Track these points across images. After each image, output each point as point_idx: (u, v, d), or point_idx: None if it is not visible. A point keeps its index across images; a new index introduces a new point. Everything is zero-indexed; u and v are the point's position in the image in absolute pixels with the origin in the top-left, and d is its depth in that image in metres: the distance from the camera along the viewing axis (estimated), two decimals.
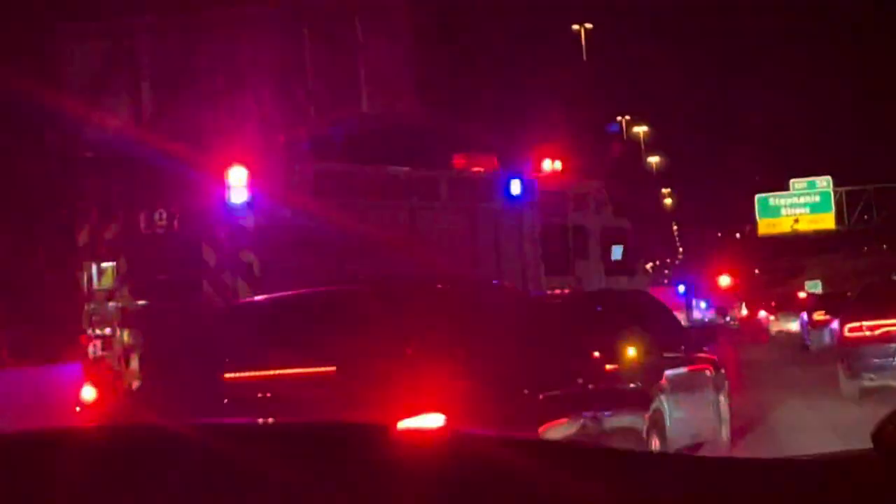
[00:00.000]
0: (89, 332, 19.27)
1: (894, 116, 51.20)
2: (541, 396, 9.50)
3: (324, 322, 9.64)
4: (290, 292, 11.47)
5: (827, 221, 52.64)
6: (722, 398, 17.37)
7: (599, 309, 16.56)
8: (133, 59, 30.93)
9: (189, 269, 18.85)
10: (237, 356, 9.26)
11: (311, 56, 32.83)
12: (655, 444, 11.20)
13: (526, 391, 9.33)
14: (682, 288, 50.06)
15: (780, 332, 52.49)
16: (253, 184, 18.63)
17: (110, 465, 2.45)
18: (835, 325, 35.51)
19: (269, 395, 8.65)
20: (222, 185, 18.60)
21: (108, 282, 19.35)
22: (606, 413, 10.46)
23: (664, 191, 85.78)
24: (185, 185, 18.93)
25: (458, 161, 22.29)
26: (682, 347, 16.84)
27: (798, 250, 61.95)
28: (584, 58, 60.71)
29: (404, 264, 20.27)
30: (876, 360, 21.55)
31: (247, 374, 8.94)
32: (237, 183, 18.57)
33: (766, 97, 55.29)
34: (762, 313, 60.33)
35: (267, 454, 2.45)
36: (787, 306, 51.74)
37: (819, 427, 18.84)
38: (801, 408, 21.39)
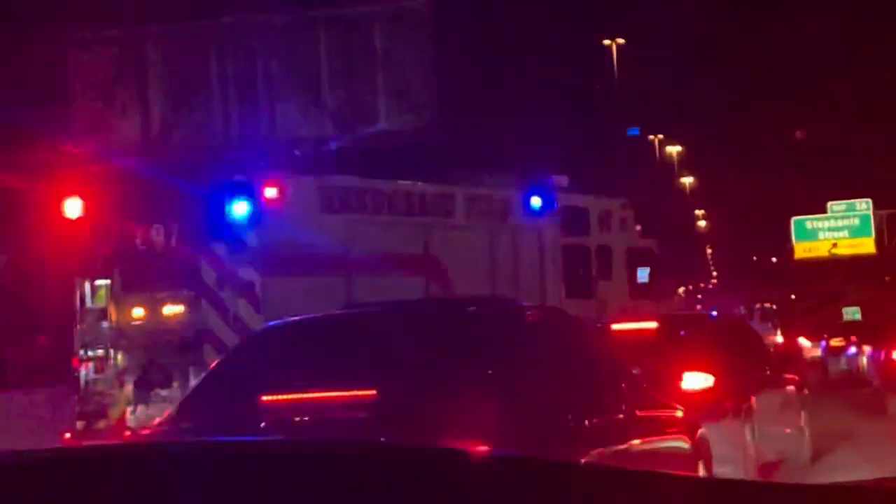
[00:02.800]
0: (81, 353, 18.62)
1: None
2: (585, 423, 9.45)
3: (364, 344, 9.56)
4: (328, 313, 11.65)
5: (867, 246, 51.93)
6: (804, 417, 18.19)
7: (683, 333, 17.40)
8: (140, 68, 30.40)
9: (187, 287, 18.21)
10: (275, 378, 9.14)
11: (328, 66, 32.27)
12: (701, 468, 11.10)
13: (569, 417, 9.23)
14: (714, 314, 48.94)
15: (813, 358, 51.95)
16: (255, 198, 17.97)
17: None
18: (852, 350, 36.77)
19: (307, 417, 8.55)
20: (222, 199, 17.95)
21: (101, 301, 18.69)
22: (651, 439, 10.38)
23: (698, 212, 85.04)
24: (184, 198, 18.27)
25: (475, 176, 21.52)
26: (767, 369, 17.81)
27: (836, 275, 61.00)
28: (615, 74, 59.96)
29: (417, 285, 19.60)
30: None
31: (285, 396, 8.82)
32: (239, 200, 17.92)
33: (804, 117, 54.52)
34: (801, 340, 59.53)
35: (296, 473, 2.47)
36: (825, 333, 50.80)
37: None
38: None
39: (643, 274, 23.33)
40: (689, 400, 13.83)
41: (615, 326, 17.72)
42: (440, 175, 21.01)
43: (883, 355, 30.77)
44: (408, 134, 29.71)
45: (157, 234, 18.40)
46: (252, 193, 17.81)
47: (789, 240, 55.18)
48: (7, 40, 29.25)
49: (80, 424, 18.38)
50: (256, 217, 17.84)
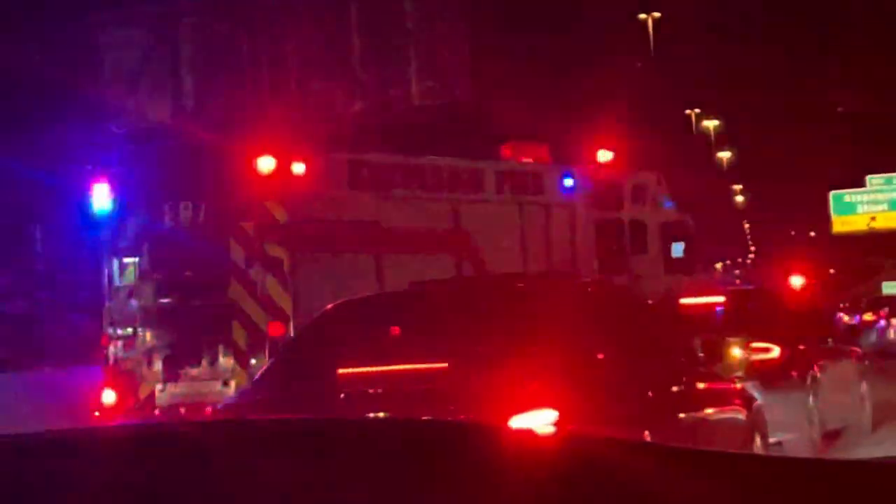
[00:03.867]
0: (110, 332, 18.43)
1: None
2: (649, 395, 9.64)
3: (434, 319, 9.79)
4: (402, 288, 12.06)
5: None
6: (865, 387, 18.53)
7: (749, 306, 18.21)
8: (173, 47, 30.24)
9: (215, 265, 17.98)
10: (351, 352, 9.35)
11: (359, 42, 32.02)
12: (758, 441, 11.27)
13: (635, 389, 9.45)
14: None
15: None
16: (283, 174, 17.73)
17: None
18: (881, 323, 36.73)
19: (382, 390, 8.76)
20: (251, 175, 17.72)
21: (129, 279, 18.49)
22: (710, 412, 10.58)
23: (735, 187, 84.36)
24: (212, 175, 18.04)
25: (506, 151, 21.25)
26: (830, 339, 18.45)
27: (875, 249, 60.36)
28: (651, 48, 59.40)
29: (447, 261, 19.35)
30: None
31: (361, 369, 9.04)
32: (266, 173, 17.67)
33: (842, 89, 53.84)
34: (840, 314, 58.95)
35: (375, 451, 2.49)
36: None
37: None
38: None
39: (678, 248, 22.96)
40: (756, 370, 14.86)
41: (683, 301, 18.47)
42: (474, 151, 20.71)
43: None
44: (440, 108, 29.49)
45: (186, 212, 18.17)
46: (280, 169, 17.56)
47: (828, 214, 54.51)
48: (39, 22, 29.12)
49: (108, 403, 18.20)
50: (284, 191, 17.60)
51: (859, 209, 52.14)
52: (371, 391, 8.78)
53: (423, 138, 21.39)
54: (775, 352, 16.20)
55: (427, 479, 2.39)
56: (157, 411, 18.00)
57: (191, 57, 30.42)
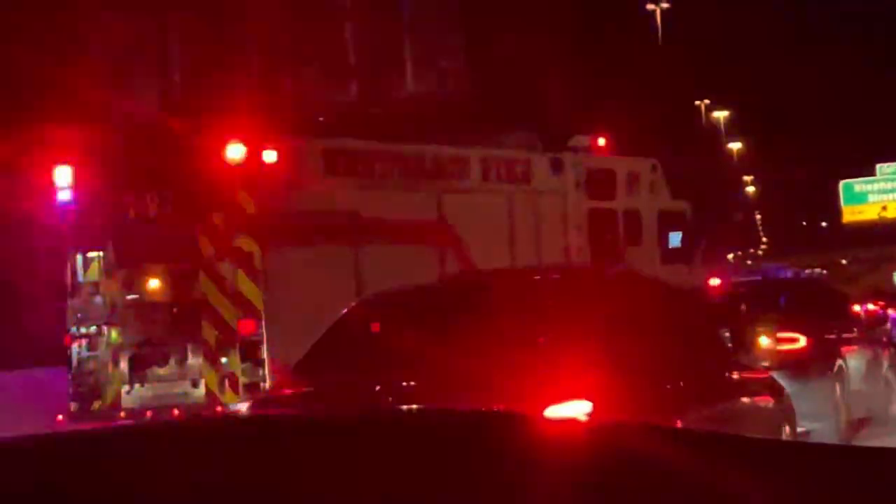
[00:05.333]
0: (73, 330, 17.21)
1: None
2: (681, 384, 9.60)
3: (464, 312, 9.65)
4: (437, 280, 12.23)
5: None
6: (891, 375, 18.51)
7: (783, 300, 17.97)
8: (160, 34, 29.09)
9: (183, 259, 16.75)
10: (376, 345, 9.36)
11: (354, 32, 30.82)
12: (787, 431, 11.21)
13: (665, 379, 9.42)
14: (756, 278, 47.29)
15: None
16: (253, 163, 16.46)
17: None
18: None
19: (416, 381, 8.67)
20: (219, 164, 16.46)
21: (93, 274, 17.25)
22: (741, 401, 10.55)
23: (746, 178, 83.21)
24: (179, 165, 16.78)
25: (492, 138, 19.85)
26: (855, 329, 18.34)
27: (887, 238, 59.26)
28: (660, 38, 58.15)
29: (430, 253, 18.09)
30: None
31: (385, 362, 8.96)
32: (235, 161, 16.40)
33: (852, 78, 52.78)
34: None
35: (409, 441, 2.49)
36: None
37: None
38: None
39: (675, 238, 21.61)
40: (782, 359, 14.92)
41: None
42: (455, 136, 19.36)
43: None
44: (435, 99, 28.26)
45: (152, 203, 16.94)
46: (251, 158, 16.29)
47: (838, 203, 53.37)
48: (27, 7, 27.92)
49: (73, 405, 17.04)
50: (254, 179, 16.33)
51: (870, 198, 51.05)
52: (406, 383, 8.71)
53: (417, 128, 20.02)
54: (802, 341, 16.15)
55: (466, 468, 2.36)
56: (122, 413, 16.86)
57: (179, 45, 29.26)
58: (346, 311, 10.53)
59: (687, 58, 58.30)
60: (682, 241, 21.74)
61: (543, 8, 34.84)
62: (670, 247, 21.59)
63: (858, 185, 51.70)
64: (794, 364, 15.08)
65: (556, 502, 2.27)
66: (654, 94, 46.09)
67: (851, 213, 52.08)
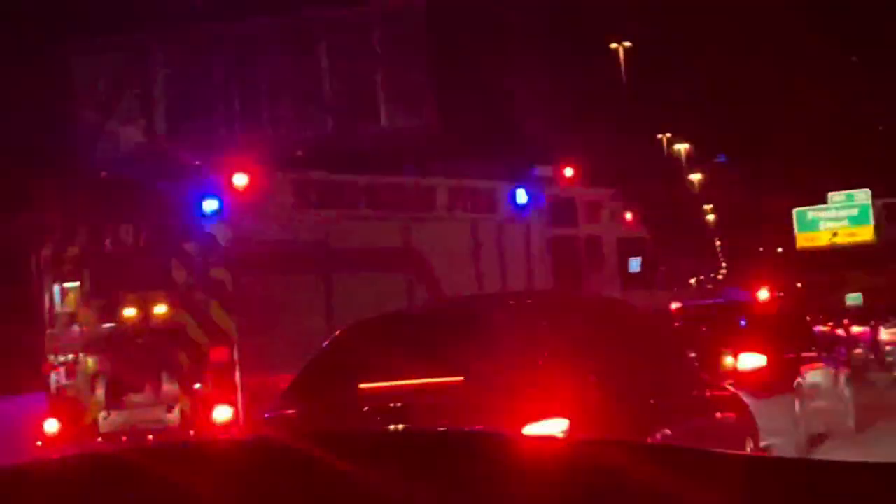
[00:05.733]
0: (51, 358, 16.75)
1: None
2: (652, 401, 9.58)
3: (452, 334, 9.67)
4: (421, 306, 12.59)
5: (866, 234, 50.01)
6: (847, 392, 18.36)
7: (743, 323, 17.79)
8: (143, 73, 28.69)
9: (158, 289, 16.33)
10: (373, 367, 9.20)
11: (328, 68, 30.43)
12: (751, 445, 11.24)
13: (638, 397, 9.40)
14: (717, 301, 46.93)
15: None
16: (227, 195, 16.07)
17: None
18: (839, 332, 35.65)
19: (402, 403, 8.65)
20: (193, 196, 16.07)
21: (71, 304, 16.80)
22: (708, 417, 10.52)
23: (706, 207, 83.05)
24: (154, 196, 16.38)
25: (458, 169, 19.49)
26: (814, 349, 18.28)
27: (838, 263, 59.14)
28: (623, 75, 57.96)
29: (398, 281, 17.70)
30: None
31: (382, 384, 8.93)
32: (208, 194, 16.03)
33: (804, 113, 52.86)
34: None
35: (395, 463, 2.46)
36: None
37: None
38: None
39: (635, 264, 21.24)
40: (745, 378, 14.85)
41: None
42: (422, 167, 19.00)
43: (869, 335, 33.38)
44: (408, 133, 27.88)
45: (128, 235, 16.53)
46: (221, 186, 15.91)
47: (793, 231, 53.22)
48: (11, 49, 27.48)
49: (51, 431, 16.57)
50: (226, 212, 15.93)
51: (821, 225, 50.90)
52: (391, 405, 8.65)
53: (373, 156, 19.65)
54: (763, 361, 16.06)
55: (449, 486, 2.35)
56: (99, 438, 16.42)
57: (161, 84, 28.85)
58: (336, 334, 10.50)
59: (649, 94, 58.24)
60: (642, 266, 21.38)
61: (511, 45, 34.57)
62: (630, 272, 21.22)
63: (811, 212, 51.53)
64: (757, 382, 15.03)
65: None
66: (618, 127, 45.88)
67: (805, 240, 51.92)
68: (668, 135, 71.17)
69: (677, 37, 51.05)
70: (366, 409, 8.72)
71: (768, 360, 16.12)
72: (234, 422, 15.97)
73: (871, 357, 31.15)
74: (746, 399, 12.08)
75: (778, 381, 15.90)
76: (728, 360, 15.57)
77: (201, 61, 29.21)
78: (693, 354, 11.40)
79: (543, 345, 9.30)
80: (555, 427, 8.16)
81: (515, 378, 8.76)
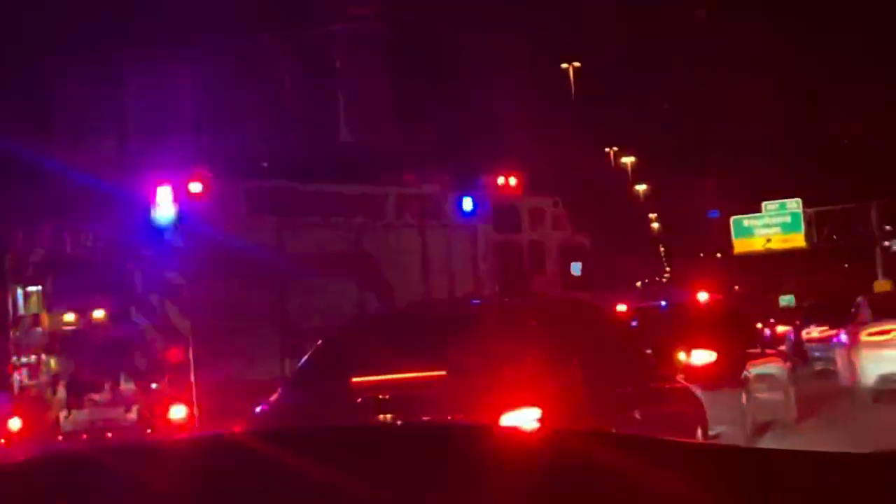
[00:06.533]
0: (15, 360, 16.12)
1: (856, 142, 48.35)
2: (614, 392, 9.74)
3: (436, 332, 9.81)
4: (408, 307, 12.52)
5: (798, 241, 49.75)
6: (790, 386, 18.53)
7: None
8: (116, 89, 28.08)
9: (117, 292, 15.73)
10: (364, 362, 9.29)
11: (292, 84, 29.87)
12: (699, 433, 11.36)
13: (602, 388, 9.55)
14: (663, 303, 46.37)
15: None
16: (181, 202, 15.46)
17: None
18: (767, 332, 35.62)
19: (391, 395, 8.78)
20: (149, 203, 15.45)
21: (33, 307, 16.16)
22: (663, 408, 10.59)
23: (651, 216, 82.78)
24: (113, 202, 15.77)
25: (408, 177, 18.95)
26: (759, 347, 18.48)
27: (772, 268, 58.98)
28: (572, 93, 57.62)
29: (350, 286, 17.11)
30: None
31: (372, 378, 9.02)
32: (164, 201, 15.41)
33: (740, 127, 52.71)
34: None
35: (383, 454, 2.43)
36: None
37: None
38: None
39: (576, 268, 20.66)
40: (696, 372, 14.97)
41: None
42: (376, 176, 18.43)
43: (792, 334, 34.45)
44: (368, 145, 27.31)
45: (87, 240, 15.91)
46: (176, 192, 15.32)
47: (730, 237, 52.88)
48: None
49: (14, 429, 15.94)
50: (181, 217, 15.34)
51: (756, 232, 50.55)
52: (381, 396, 8.78)
53: (323, 164, 19.08)
54: (713, 356, 16.21)
55: (431, 476, 2.33)
56: (60, 437, 15.78)
57: (132, 100, 28.22)
58: (331, 332, 10.87)
59: (597, 110, 58.03)
60: (583, 269, 20.78)
61: (465, 63, 34.05)
62: (573, 275, 20.62)
63: (746, 220, 51.21)
64: (707, 376, 15.15)
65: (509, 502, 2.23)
66: (566, 140, 45.44)
67: (741, 246, 51.56)
68: (616, 148, 70.84)
69: (624, 57, 50.79)
70: (359, 400, 8.81)
71: (718, 356, 16.28)
72: (189, 420, 15.38)
73: (794, 352, 31.09)
74: (697, 391, 12.30)
75: (726, 375, 16.04)
76: (681, 356, 15.62)
77: (169, 77, 28.61)
78: (648, 351, 11.45)
79: (518, 341, 9.45)
80: (529, 415, 8.31)
81: (493, 372, 8.92)
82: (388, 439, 2.67)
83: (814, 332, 34.31)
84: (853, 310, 22.75)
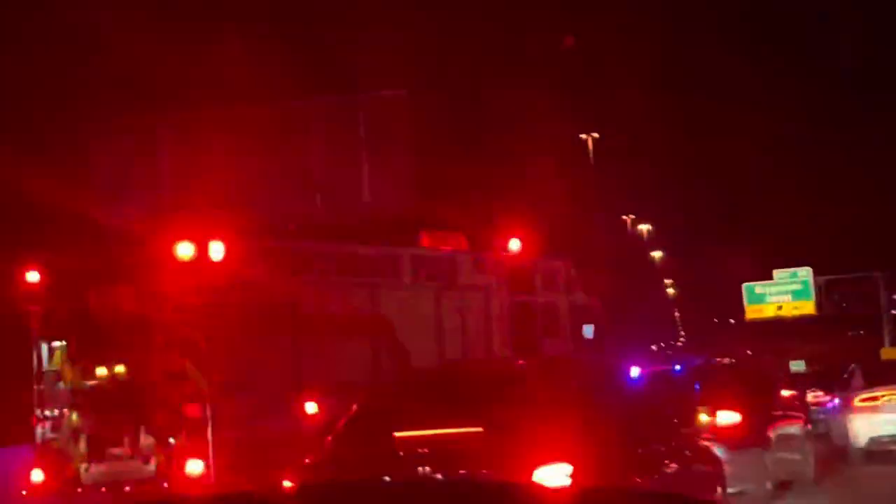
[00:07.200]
0: (38, 413, 15.84)
1: (865, 214, 48.10)
2: (639, 451, 9.85)
3: (472, 390, 9.86)
4: (445, 365, 13.18)
5: (807, 307, 49.33)
6: (808, 446, 18.53)
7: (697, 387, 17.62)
8: (150, 150, 27.98)
9: (137, 349, 15.47)
10: (405, 419, 9.41)
11: (318, 148, 29.71)
12: (719, 491, 11.35)
13: (628, 446, 9.65)
14: (677, 367, 45.85)
15: None
16: (201, 259, 15.22)
17: None
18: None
19: (431, 449, 8.90)
20: (170, 261, 15.21)
21: (57, 362, 15.92)
22: (685, 466, 10.61)
23: (667, 281, 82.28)
24: (134, 261, 15.53)
25: (424, 239, 18.67)
26: (779, 409, 18.46)
27: (783, 333, 58.51)
28: (591, 162, 57.37)
29: (366, 345, 16.80)
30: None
31: (413, 433, 9.15)
32: (184, 259, 15.16)
33: (753, 200, 52.64)
34: None
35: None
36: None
37: None
38: None
39: (588, 331, 20.28)
40: (722, 433, 15.21)
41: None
42: (389, 238, 18.15)
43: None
44: (389, 208, 27.09)
45: (109, 299, 15.67)
46: (197, 250, 15.08)
47: (742, 303, 52.50)
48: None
49: (37, 481, 15.63)
50: (201, 275, 15.09)
51: (768, 299, 50.16)
52: (421, 450, 8.88)
53: (340, 226, 18.84)
54: (738, 417, 16.22)
55: None
56: (80, 489, 15.48)
57: (167, 160, 28.11)
58: (368, 391, 11.06)
59: (615, 179, 57.87)
60: (595, 333, 20.40)
61: (484, 131, 33.90)
62: (585, 337, 20.24)
63: (758, 287, 50.88)
64: (730, 436, 15.30)
65: None
66: (584, 207, 45.21)
67: (753, 312, 51.13)
68: (633, 216, 70.53)
69: (640, 129, 50.73)
70: (401, 454, 8.93)
71: (741, 417, 16.27)
72: (205, 475, 15.05)
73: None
74: (722, 449, 12.51)
75: (749, 435, 16.08)
76: (705, 417, 15.81)
77: (202, 142, 28.51)
78: (671, 412, 11.61)
79: (551, 401, 9.55)
80: (560, 471, 8.45)
81: (526, 429, 9.03)
82: (428, 494, 2.71)
83: (809, 396, 34.07)
84: (845, 376, 23.74)
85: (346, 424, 9.99)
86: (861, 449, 21.37)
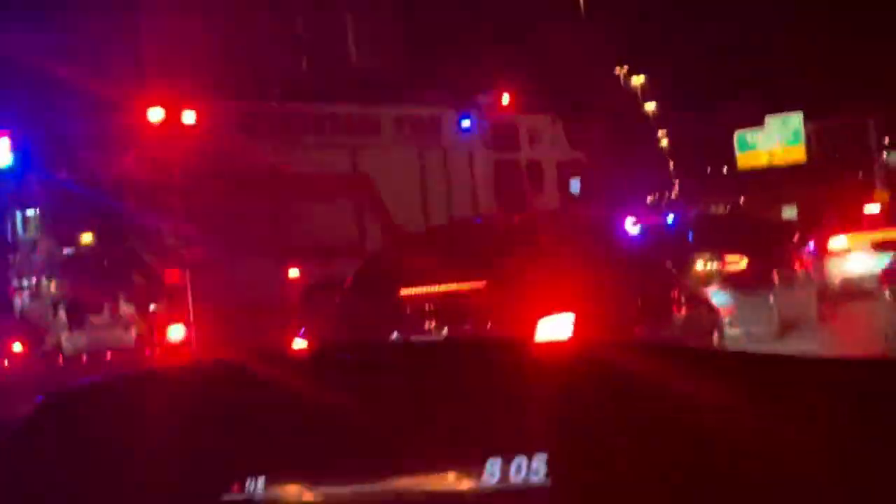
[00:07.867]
0: (15, 283, 15.25)
1: (863, 56, 46.80)
2: (638, 300, 9.94)
3: (476, 246, 9.81)
4: (451, 223, 12.75)
5: (798, 153, 48.46)
6: (811, 288, 18.49)
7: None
8: (134, 18, 26.97)
9: (113, 215, 14.84)
10: (412, 276, 9.29)
11: (303, 10, 28.74)
12: (715, 336, 11.33)
13: (627, 296, 9.73)
14: (671, 217, 45.20)
15: None
16: (175, 124, 14.49)
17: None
18: None
19: (437, 306, 8.94)
20: (143, 126, 14.48)
21: (32, 232, 15.28)
22: (683, 315, 10.67)
23: (661, 133, 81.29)
24: (107, 127, 14.81)
25: (406, 98, 17.80)
26: (785, 254, 18.22)
27: (775, 181, 57.81)
28: (583, 12, 56.02)
29: (347, 206, 16.13)
30: None
31: (420, 290, 9.08)
32: (156, 123, 14.43)
33: (746, 43, 51.20)
34: None
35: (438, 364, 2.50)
36: None
37: None
38: None
39: (575, 185, 19.52)
40: (729, 277, 15.41)
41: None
42: (367, 95, 17.30)
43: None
44: (376, 70, 26.18)
45: (84, 164, 14.98)
46: (170, 115, 14.35)
47: (734, 152, 51.74)
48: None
49: (17, 350, 15.14)
50: (176, 139, 14.38)
51: (760, 146, 49.27)
52: (428, 307, 8.91)
53: (318, 85, 17.99)
54: (744, 262, 16.31)
55: (476, 384, 2.35)
56: (61, 357, 14.99)
57: (157, 20, 27.10)
58: (378, 249, 11.16)
59: (608, 29, 56.51)
60: (582, 187, 19.62)
61: None
62: (571, 192, 19.49)
63: (750, 135, 49.93)
64: (738, 279, 15.49)
65: (546, 408, 2.25)
66: (575, 58, 44.03)
67: (745, 160, 50.32)
68: (626, 67, 69.24)
69: None
70: (407, 310, 8.94)
71: (748, 261, 16.38)
72: (186, 341, 14.52)
73: None
74: (730, 293, 12.93)
75: (756, 279, 16.15)
76: (713, 263, 15.95)
77: (185, 4, 27.50)
78: (669, 262, 11.57)
79: (551, 253, 9.58)
80: (563, 320, 8.54)
81: (529, 281, 9.04)
82: (430, 354, 2.72)
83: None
84: (823, 222, 24.55)
85: (353, 282, 10.00)
86: (836, 288, 22.10)
